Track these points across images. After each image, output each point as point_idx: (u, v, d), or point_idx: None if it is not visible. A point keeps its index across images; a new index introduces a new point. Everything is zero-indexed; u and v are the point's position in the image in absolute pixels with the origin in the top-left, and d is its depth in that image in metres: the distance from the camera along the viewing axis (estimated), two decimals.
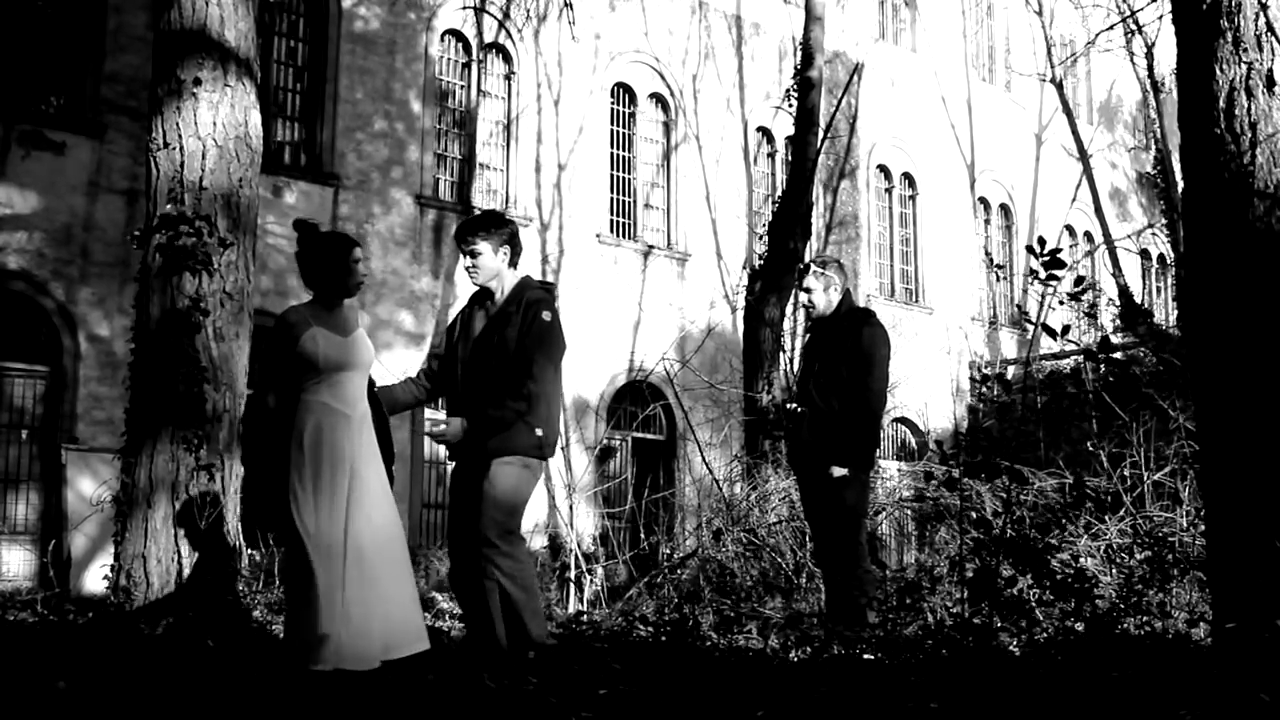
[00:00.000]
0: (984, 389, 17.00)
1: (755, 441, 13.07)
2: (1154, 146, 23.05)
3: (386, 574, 4.74)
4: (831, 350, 6.20)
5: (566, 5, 15.21)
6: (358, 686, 4.45)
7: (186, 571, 6.71)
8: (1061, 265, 4.72)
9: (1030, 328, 21.55)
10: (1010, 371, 19.00)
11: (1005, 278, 21.25)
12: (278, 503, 4.70)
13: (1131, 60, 22.33)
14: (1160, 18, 19.12)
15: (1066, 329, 4.89)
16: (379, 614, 4.63)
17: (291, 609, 4.74)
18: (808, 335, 6.66)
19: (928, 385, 19.21)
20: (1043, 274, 4.63)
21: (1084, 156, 21.73)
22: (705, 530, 9.95)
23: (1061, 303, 5.32)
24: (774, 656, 5.88)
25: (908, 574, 8.81)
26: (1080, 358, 15.30)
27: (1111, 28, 20.40)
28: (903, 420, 19.39)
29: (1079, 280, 5.47)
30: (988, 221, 21.82)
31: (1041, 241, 4.84)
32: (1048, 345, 20.12)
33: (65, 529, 10.99)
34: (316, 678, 4.49)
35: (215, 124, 7.13)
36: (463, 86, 15.70)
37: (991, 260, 20.95)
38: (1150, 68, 21.37)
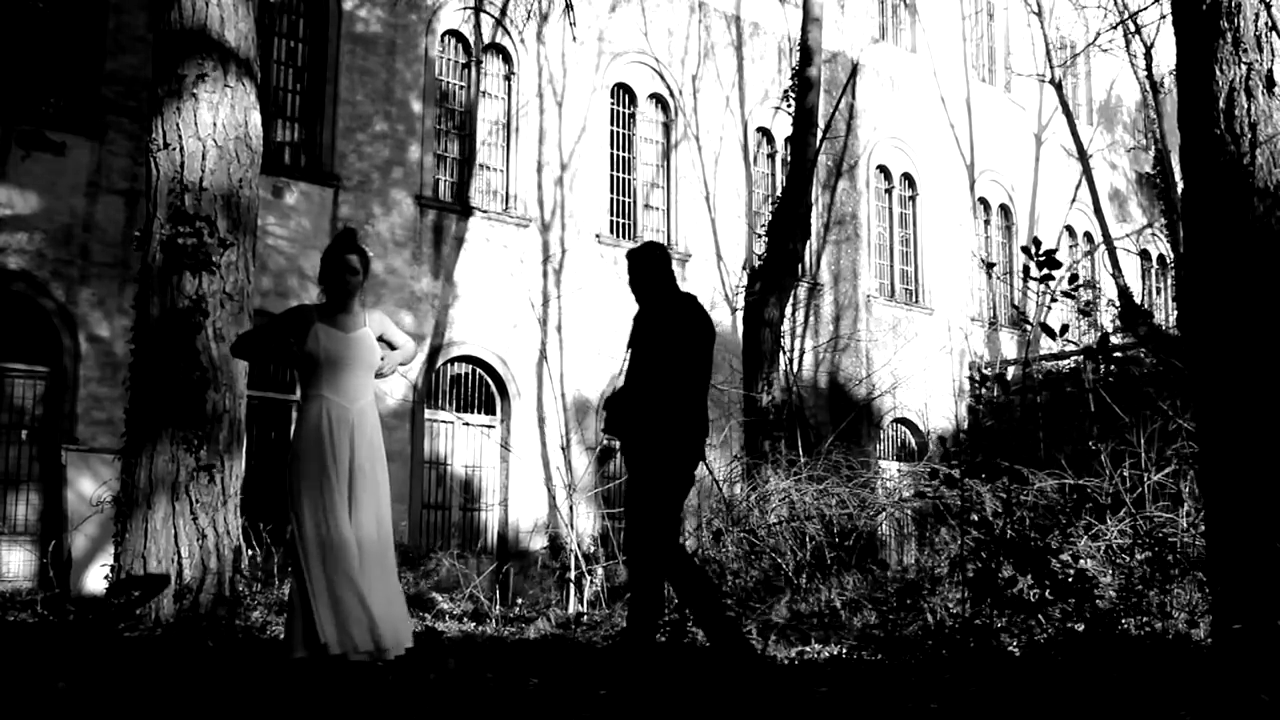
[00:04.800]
0: (984, 389, 16.99)
1: (755, 442, 13.06)
2: (1154, 147, 23.04)
3: (381, 569, 4.80)
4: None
5: (567, 6, 15.20)
6: (359, 685, 4.45)
7: (187, 572, 6.71)
8: (1057, 265, 4.73)
9: (1029, 328, 21.55)
10: (1010, 372, 19.00)
11: (1002, 277, 21.19)
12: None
13: (1131, 61, 22.32)
14: (1162, 18, 19.11)
15: (1065, 328, 4.90)
16: (375, 606, 4.68)
17: (290, 599, 4.82)
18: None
19: (928, 385, 19.21)
20: (1035, 273, 4.64)
21: (1083, 157, 21.73)
22: (705, 531, 9.95)
23: (1055, 300, 5.32)
24: (774, 656, 5.88)
25: (908, 574, 8.82)
26: (1080, 358, 15.29)
27: (1114, 28, 20.39)
28: (903, 420, 19.40)
29: (1074, 278, 5.48)
30: (988, 222, 21.82)
31: (1036, 242, 4.85)
32: (1048, 345, 20.11)
33: (65, 529, 10.98)
34: (318, 676, 4.50)
35: (215, 124, 7.14)
36: (463, 87, 15.70)
37: (985, 262, 20.90)
38: (1150, 68, 21.36)
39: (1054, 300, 5.26)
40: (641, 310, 5.82)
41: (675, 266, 16.80)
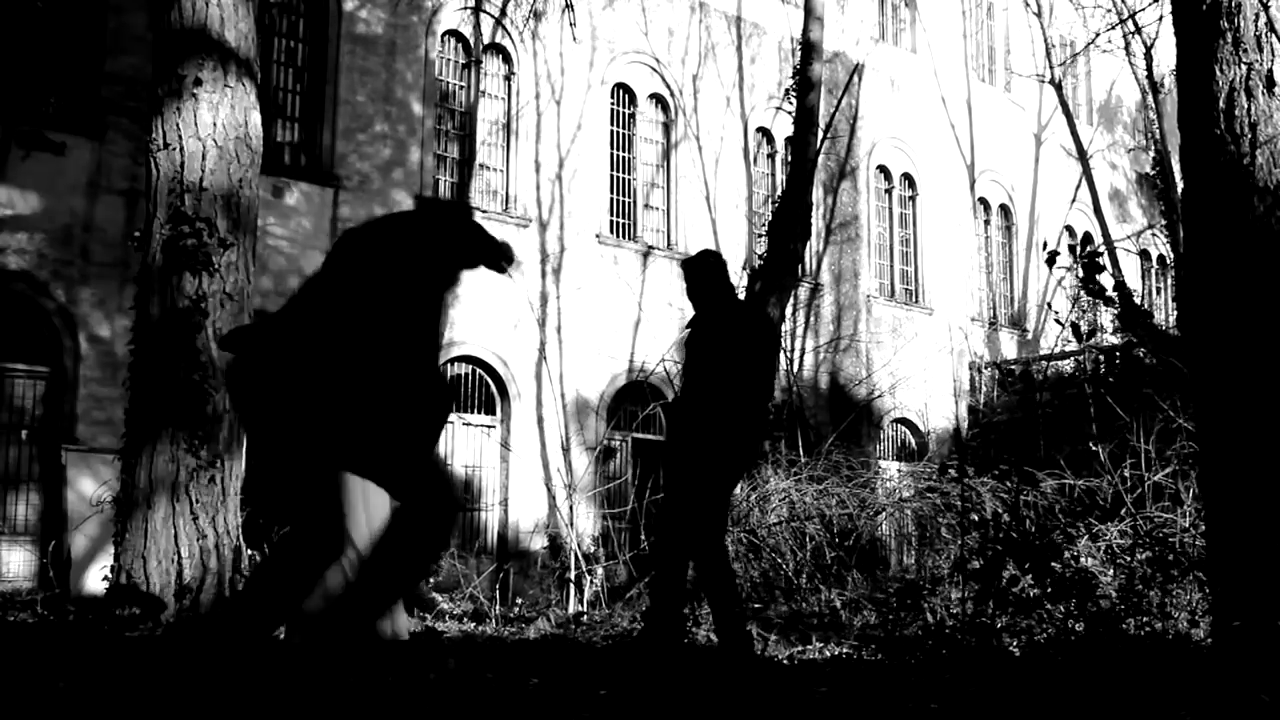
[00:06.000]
0: (1012, 384, 16.90)
1: None
2: (1153, 147, 23.05)
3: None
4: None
5: (568, 6, 15.20)
6: (358, 685, 4.45)
7: (187, 572, 6.71)
8: (1101, 269, 4.79)
9: (1030, 328, 21.54)
10: (1020, 370, 18.99)
11: (1063, 283, 20.96)
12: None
13: (1130, 62, 22.32)
14: (1160, 19, 19.11)
15: (1092, 332, 4.95)
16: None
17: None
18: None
19: (928, 385, 19.21)
20: (1075, 271, 4.70)
21: (1083, 157, 21.72)
22: None
23: (1100, 303, 5.35)
24: (774, 656, 5.89)
25: (908, 575, 8.82)
26: (1082, 357, 15.28)
27: (1113, 28, 20.39)
28: (903, 420, 19.40)
29: (1119, 285, 5.51)
30: (988, 222, 21.82)
31: (1087, 240, 4.91)
32: (1046, 345, 20.10)
33: (65, 529, 10.98)
34: (317, 676, 4.50)
35: (215, 124, 7.14)
36: (463, 87, 15.70)
37: (1050, 253, 20.85)
38: (1149, 68, 21.36)
39: (1106, 303, 5.30)
40: (697, 318, 5.79)
41: (678, 267, 16.82)
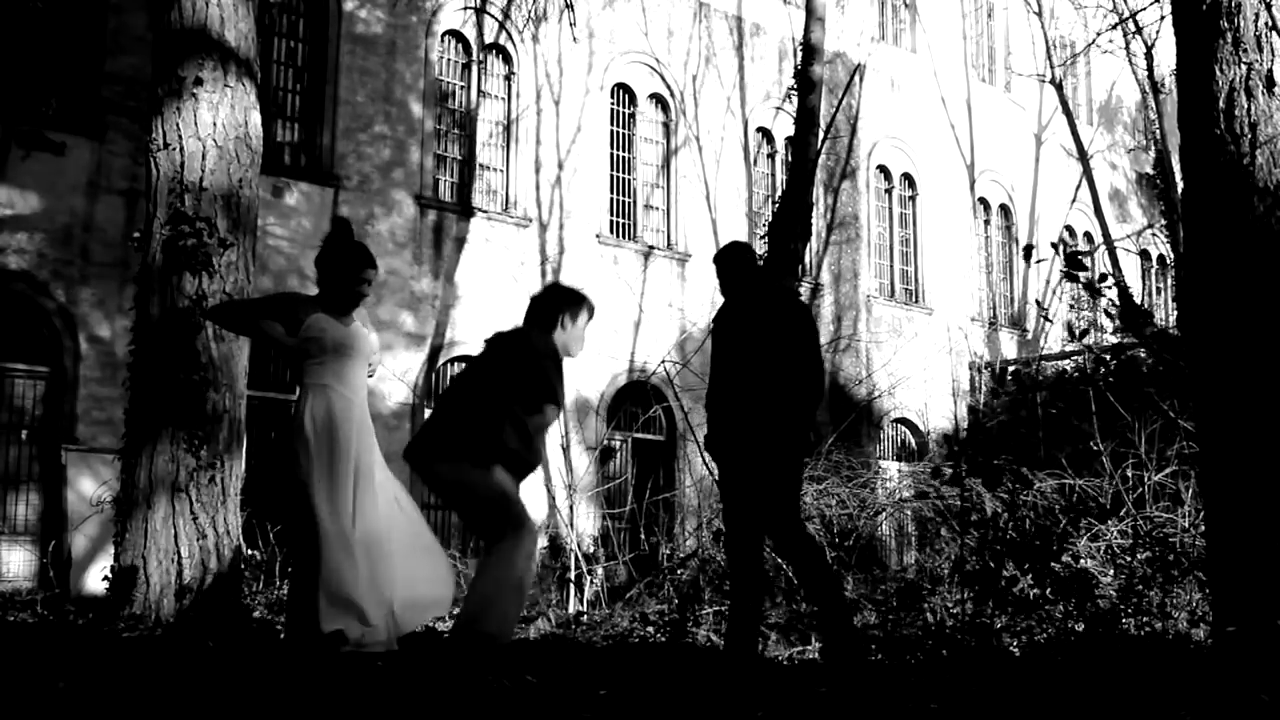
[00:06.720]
0: (1006, 386, 16.87)
1: None
2: (1154, 147, 23.04)
3: (398, 554, 4.81)
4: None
5: (567, 6, 15.19)
6: (359, 684, 4.45)
7: (187, 572, 6.71)
8: (1083, 267, 4.80)
9: (1030, 328, 21.54)
10: (1013, 370, 18.98)
11: (1050, 317, 20.92)
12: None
13: (1130, 62, 22.32)
14: (1162, 19, 19.10)
15: (1085, 331, 4.95)
16: (396, 593, 4.72)
17: (295, 586, 4.81)
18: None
19: (928, 385, 19.20)
20: (1058, 269, 4.72)
21: (1084, 157, 21.72)
22: (705, 531, 9.95)
23: (1096, 296, 5.34)
24: (774, 656, 5.89)
25: (908, 575, 8.82)
26: (1080, 358, 15.27)
27: (1114, 28, 20.39)
28: (903, 420, 19.40)
29: (1103, 277, 5.50)
30: (988, 222, 21.82)
31: (1064, 240, 4.92)
32: (1046, 345, 20.09)
33: (65, 529, 10.98)
34: (319, 674, 4.50)
35: (215, 124, 7.14)
36: (463, 87, 15.70)
37: (1042, 307, 20.81)
38: (1150, 69, 21.35)
39: (1092, 294, 5.31)
40: (731, 306, 5.72)
41: (677, 267, 16.83)
